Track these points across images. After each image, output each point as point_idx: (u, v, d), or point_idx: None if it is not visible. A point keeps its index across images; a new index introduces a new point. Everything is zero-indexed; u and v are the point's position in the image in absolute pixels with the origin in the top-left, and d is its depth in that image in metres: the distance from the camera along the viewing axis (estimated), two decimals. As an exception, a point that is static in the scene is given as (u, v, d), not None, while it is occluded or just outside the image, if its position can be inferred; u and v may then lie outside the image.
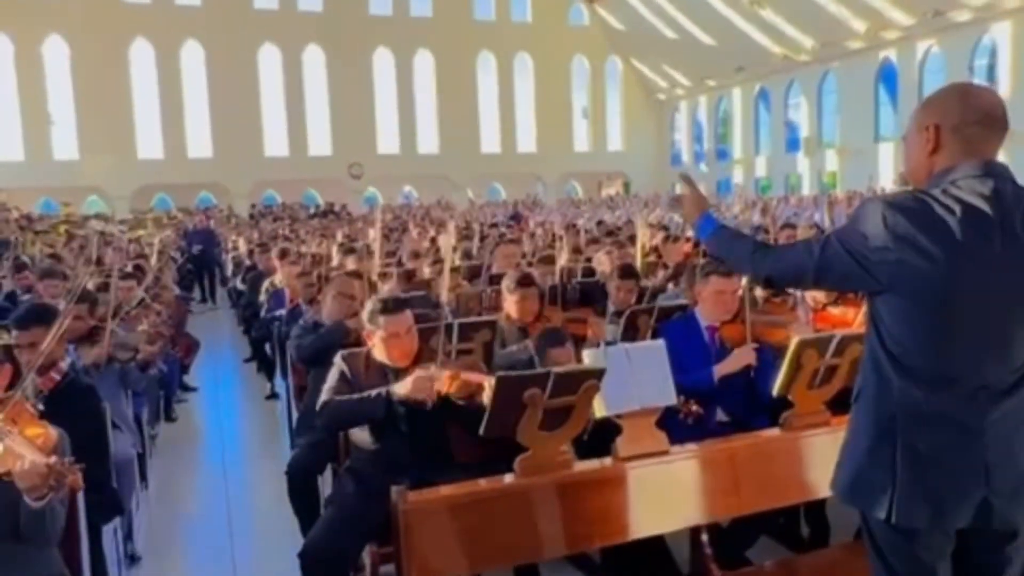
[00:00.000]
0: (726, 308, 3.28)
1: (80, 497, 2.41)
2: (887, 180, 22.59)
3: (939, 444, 1.70)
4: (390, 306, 2.88)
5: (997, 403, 1.69)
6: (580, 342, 3.67)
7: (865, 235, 1.70)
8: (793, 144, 27.80)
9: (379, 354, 2.88)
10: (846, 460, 1.83)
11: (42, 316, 3.02)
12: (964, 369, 1.68)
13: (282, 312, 5.89)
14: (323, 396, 2.87)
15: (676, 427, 2.74)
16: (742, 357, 3.11)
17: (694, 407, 2.86)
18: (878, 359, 1.76)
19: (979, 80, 20.92)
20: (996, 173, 1.70)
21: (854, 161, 24.41)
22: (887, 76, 23.84)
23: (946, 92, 1.79)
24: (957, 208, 1.65)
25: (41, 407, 2.46)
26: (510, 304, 4.00)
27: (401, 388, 2.62)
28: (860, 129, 24.52)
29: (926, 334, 1.69)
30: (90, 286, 4.96)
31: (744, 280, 3.28)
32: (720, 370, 3.12)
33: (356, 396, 2.76)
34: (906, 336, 1.71)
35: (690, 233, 9.61)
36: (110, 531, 3.18)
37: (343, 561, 2.69)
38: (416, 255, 7.81)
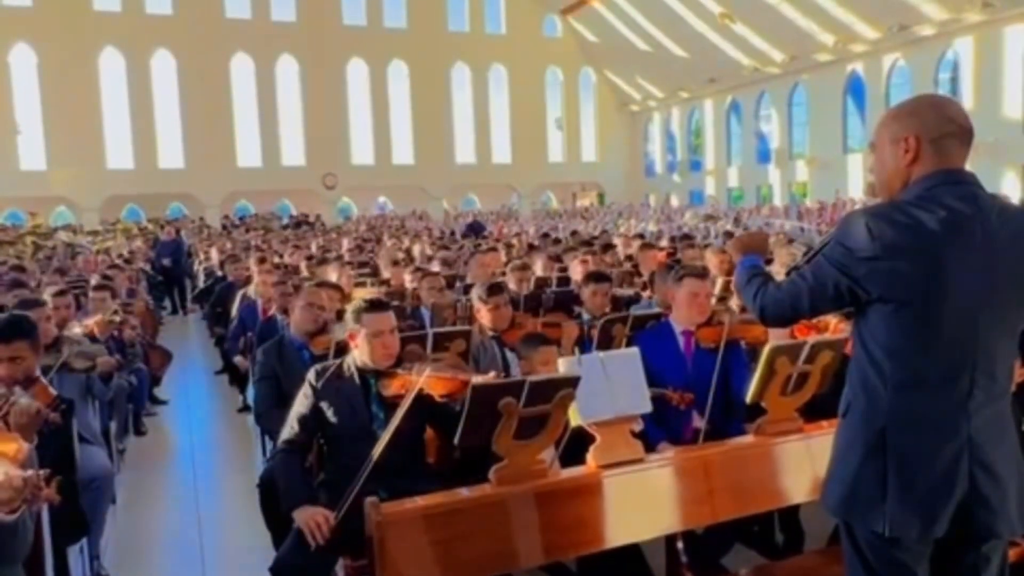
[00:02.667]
0: (700, 310, 3.31)
1: (45, 515, 2.36)
2: (856, 191, 23.00)
3: (928, 454, 1.72)
4: (375, 304, 2.90)
5: (981, 410, 1.73)
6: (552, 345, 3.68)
7: (851, 248, 1.73)
8: (764, 155, 28.19)
9: (362, 355, 2.85)
10: (836, 476, 1.84)
11: (24, 329, 2.95)
12: (952, 374, 1.72)
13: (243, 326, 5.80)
14: (286, 429, 2.87)
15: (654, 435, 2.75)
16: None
17: (686, 394, 2.89)
18: (866, 375, 1.79)
19: (943, 93, 21.40)
20: (968, 179, 1.76)
21: (823, 172, 24.81)
22: (855, 88, 24.29)
23: (920, 104, 1.82)
24: (940, 212, 1.69)
25: (60, 420, 2.43)
26: (483, 314, 4.03)
27: (300, 515, 2.58)
28: (829, 140, 24.95)
29: (916, 341, 1.72)
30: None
31: (718, 287, 3.32)
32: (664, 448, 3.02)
33: (288, 481, 2.76)
34: (896, 345, 1.73)
35: (664, 242, 9.73)
36: (76, 549, 3.11)
37: (316, 575, 2.65)
38: (395, 263, 7.80)
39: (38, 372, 3.13)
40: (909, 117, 1.79)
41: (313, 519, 2.54)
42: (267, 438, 4.48)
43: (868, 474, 1.76)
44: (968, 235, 1.68)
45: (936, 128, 1.75)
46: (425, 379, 2.61)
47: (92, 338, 4.46)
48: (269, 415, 3.81)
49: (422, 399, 2.63)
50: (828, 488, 1.87)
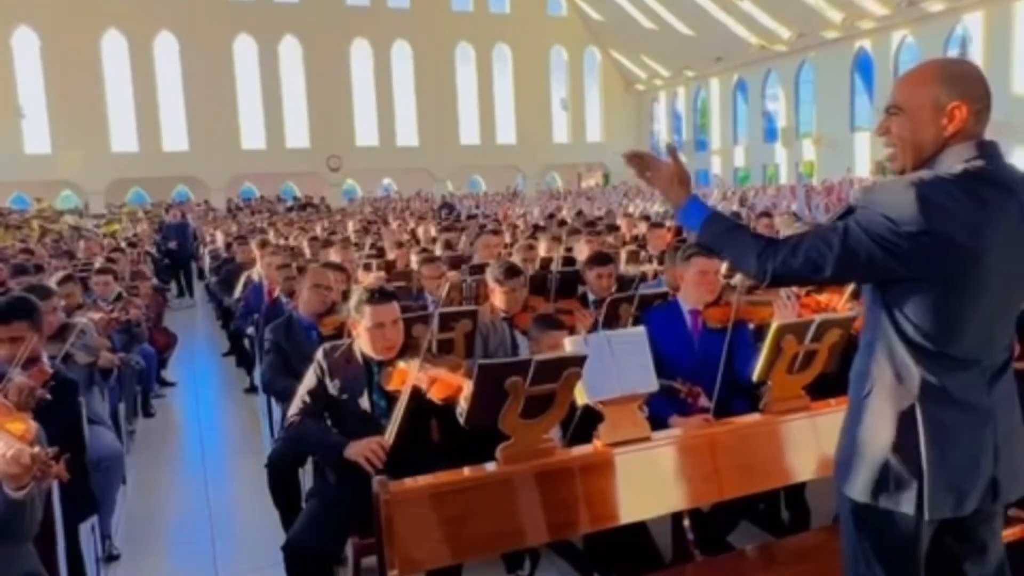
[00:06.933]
0: (709, 288, 3.30)
1: (56, 495, 2.37)
2: (863, 170, 22.85)
3: (959, 429, 1.67)
4: (376, 296, 2.84)
5: (997, 381, 1.70)
6: (569, 333, 3.66)
7: (894, 220, 1.60)
8: (771, 134, 28.00)
9: (363, 345, 2.85)
10: (864, 461, 1.74)
11: (24, 310, 2.96)
12: (980, 349, 1.67)
13: (249, 307, 5.81)
14: (295, 404, 2.88)
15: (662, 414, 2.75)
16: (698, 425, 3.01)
17: (694, 388, 2.92)
18: (894, 350, 1.70)
19: (953, 70, 21.15)
20: (999, 152, 1.68)
21: (831, 151, 24.64)
22: (863, 66, 24.06)
23: (967, 71, 1.69)
24: (985, 187, 1.61)
25: (49, 397, 2.44)
26: (497, 295, 3.97)
27: (353, 450, 2.63)
28: (836, 119, 24.75)
29: (952, 318, 1.64)
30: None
31: (724, 266, 3.29)
32: (677, 422, 3.01)
33: (319, 433, 2.81)
34: (929, 322, 1.65)
35: (670, 222, 9.60)
36: (87, 529, 3.14)
37: (326, 554, 2.68)
38: (399, 245, 7.79)
39: (44, 355, 3.14)
40: (958, 84, 1.65)
41: (368, 447, 2.58)
42: (273, 418, 4.51)
43: (900, 456, 1.68)
44: (1008, 212, 1.61)
45: (982, 101, 1.65)
46: (423, 381, 2.62)
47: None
48: (275, 379, 3.85)
49: (422, 397, 2.63)
50: (851, 474, 1.76)
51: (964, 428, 1.67)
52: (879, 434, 1.72)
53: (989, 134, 1.74)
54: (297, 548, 2.62)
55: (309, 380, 2.88)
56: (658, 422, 2.82)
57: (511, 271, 4.01)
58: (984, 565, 1.80)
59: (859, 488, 1.74)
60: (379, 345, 2.80)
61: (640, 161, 1.96)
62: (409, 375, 2.65)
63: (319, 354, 2.89)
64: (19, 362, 2.45)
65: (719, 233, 1.83)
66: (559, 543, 2.98)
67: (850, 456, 1.78)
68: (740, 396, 3.08)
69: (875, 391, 1.73)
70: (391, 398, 2.74)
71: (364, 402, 2.82)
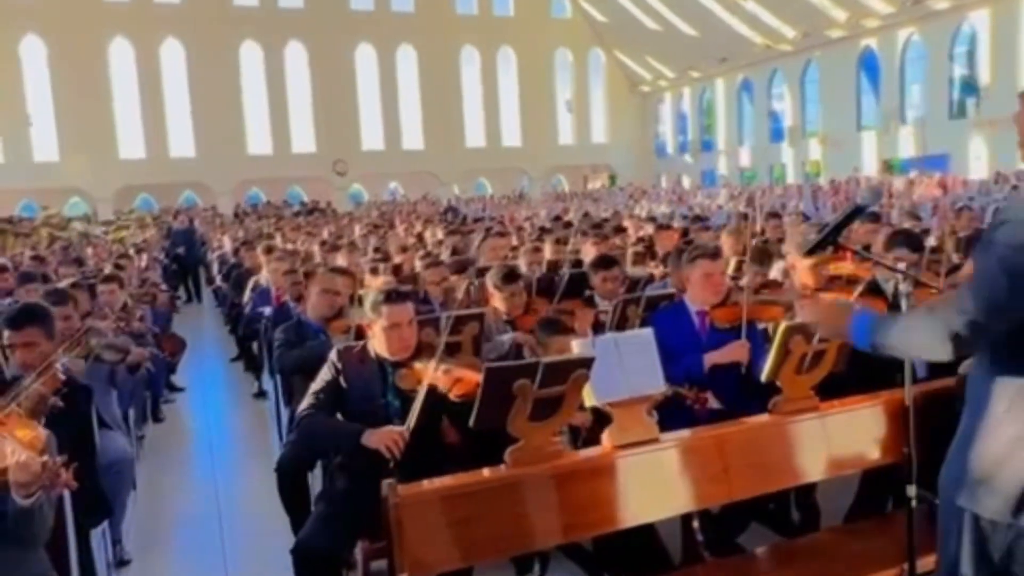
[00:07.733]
0: (715, 290, 3.30)
1: (67, 500, 2.39)
2: (871, 168, 22.78)
3: None
4: (393, 296, 2.87)
5: None
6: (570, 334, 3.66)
7: None
8: (777, 134, 27.94)
9: (378, 346, 2.86)
10: (1002, 480, 1.69)
11: (37, 316, 2.98)
12: None
13: (265, 309, 5.84)
14: (307, 400, 2.87)
15: (669, 415, 2.75)
16: (736, 351, 3.11)
17: (701, 394, 2.92)
18: None
19: (959, 67, 21.10)
20: None
21: (837, 150, 24.56)
22: (868, 64, 23.99)
23: None
24: None
25: (61, 404, 2.45)
26: (497, 299, 4.00)
27: (371, 437, 2.62)
28: (842, 118, 24.67)
29: None
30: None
31: (731, 268, 3.29)
32: (711, 359, 3.13)
33: (333, 423, 2.81)
34: None
35: (676, 223, 9.63)
36: (98, 533, 3.15)
37: (335, 557, 2.68)
38: (404, 249, 7.80)
39: (58, 359, 3.16)
40: None
41: (390, 436, 2.58)
42: (282, 422, 4.52)
43: None
44: None
45: None
46: (440, 379, 2.63)
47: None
48: (287, 355, 3.90)
49: (438, 396, 2.65)
50: (983, 492, 1.72)
51: None
52: (1021, 451, 1.68)
53: (999, 130, 1.72)
54: (305, 551, 2.63)
55: (323, 376, 2.88)
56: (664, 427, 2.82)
57: (509, 276, 4.05)
58: None
59: (995, 507, 1.70)
60: (395, 345, 2.82)
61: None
62: (427, 374, 2.66)
63: (333, 355, 2.90)
64: (38, 371, 2.47)
65: (896, 333, 1.80)
66: (568, 545, 2.98)
67: (980, 474, 1.73)
68: (752, 398, 3.07)
69: (1016, 406, 1.69)
70: (405, 399, 2.74)
71: (378, 403, 2.83)
